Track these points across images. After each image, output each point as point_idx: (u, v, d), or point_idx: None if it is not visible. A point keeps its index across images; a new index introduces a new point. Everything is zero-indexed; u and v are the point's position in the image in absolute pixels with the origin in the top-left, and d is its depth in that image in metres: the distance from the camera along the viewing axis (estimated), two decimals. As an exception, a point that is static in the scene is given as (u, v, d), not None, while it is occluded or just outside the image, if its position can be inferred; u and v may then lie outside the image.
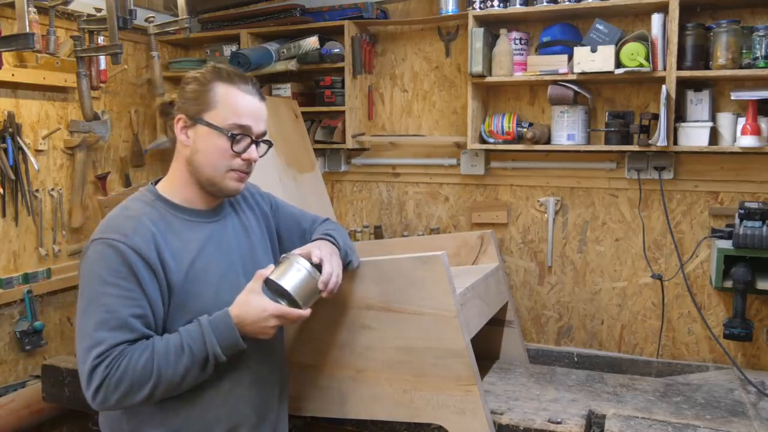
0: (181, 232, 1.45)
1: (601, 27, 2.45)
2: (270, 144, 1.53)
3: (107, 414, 1.49)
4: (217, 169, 1.44)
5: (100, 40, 2.57)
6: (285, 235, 1.73)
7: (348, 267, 1.76)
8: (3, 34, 2.22)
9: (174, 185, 1.49)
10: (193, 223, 1.48)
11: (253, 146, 1.47)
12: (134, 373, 1.31)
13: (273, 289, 1.45)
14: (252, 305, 1.40)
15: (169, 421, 1.44)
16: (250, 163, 1.47)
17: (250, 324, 1.39)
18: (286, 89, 3.03)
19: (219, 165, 1.44)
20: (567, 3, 2.52)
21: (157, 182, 1.52)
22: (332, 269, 1.54)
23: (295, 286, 1.45)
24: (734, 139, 2.38)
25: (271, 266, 1.46)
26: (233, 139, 1.43)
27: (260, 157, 1.51)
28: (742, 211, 2.28)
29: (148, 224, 1.39)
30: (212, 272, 1.46)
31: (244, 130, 1.44)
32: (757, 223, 2.22)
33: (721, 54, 2.30)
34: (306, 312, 1.45)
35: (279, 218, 1.73)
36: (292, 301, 1.45)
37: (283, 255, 1.51)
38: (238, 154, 1.44)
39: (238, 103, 1.44)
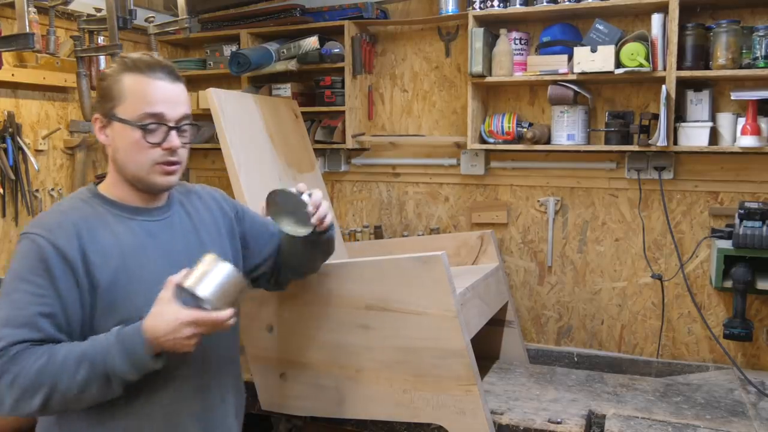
0: (115, 228, 1.37)
1: (601, 27, 2.45)
2: (197, 126, 1.44)
3: (42, 422, 1.42)
4: (140, 165, 1.37)
5: (100, 40, 2.58)
6: (252, 241, 1.65)
7: (327, 233, 1.64)
8: (3, 34, 2.22)
9: (110, 184, 1.44)
10: (130, 220, 1.40)
11: (173, 133, 1.37)
12: (26, 378, 1.22)
13: (189, 296, 1.29)
14: (164, 316, 1.25)
15: None
16: (172, 151, 1.38)
17: (164, 336, 1.24)
18: (286, 89, 3.03)
19: (140, 160, 1.36)
20: (567, 3, 2.52)
21: (100, 182, 1.46)
22: (322, 197, 1.52)
23: (209, 288, 1.28)
24: (734, 139, 2.38)
25: (185, 270, 1.31)
26: (145, 130, 1.34)
27: (188, 142, 1.42)
28: (742, 211, 2.28)
29: (75, 219, 1.34)
30: (149, 272, 1.37)
31: (158, 119, 1.35)
32: (757, 223, 2.22)
33: (721, 54, 2.30)
34: (223, 314, 1.28)
35: (245, 224, 1.65)
36: (212, 306, 1.29)
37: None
38: (156, 145, 1.36)
39: (146, 90, 1.35)
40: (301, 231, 1.52)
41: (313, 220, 1.50)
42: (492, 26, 2.70)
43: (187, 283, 1.27)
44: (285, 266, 1.73)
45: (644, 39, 2.39)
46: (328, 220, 1.56)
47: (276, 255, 1.70)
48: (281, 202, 1.50)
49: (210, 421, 1.49)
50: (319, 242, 1.63)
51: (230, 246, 1.59)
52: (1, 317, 1.26)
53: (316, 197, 1.52)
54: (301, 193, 1.49)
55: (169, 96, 1.37)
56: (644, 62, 2.36)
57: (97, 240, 1.34)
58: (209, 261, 1.31)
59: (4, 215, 2.53)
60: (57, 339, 1.28)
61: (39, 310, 1.26)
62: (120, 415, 1.36)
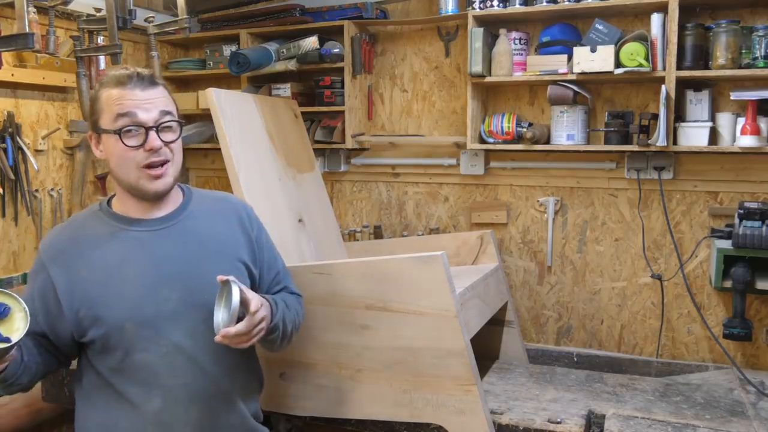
0: (105, 242, 1.45)
1: (600, 27, 2.45)
2: (180, 123, 1.47)
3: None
4: (127, 171, 1.42)
5: (100, 40, 2.57)
6: (265, 266, 1.64)
7: (272, 334, 1.55)
8: (3, 34, 2.22)
9: (116, 197, 1.53)
10: (125, 231, 1.47)
11: (152, 134, 1.40)
12: None
13: None
14: None
15: None
16: (154, 151, 1.41)
17: None
18: (285, 89, 3.03)
19: (126, 166, 1.42)
20: (567, 3, 2.52)
21: (114, 196, 1.54)
22: (247, 327, 1.40)
23: None
24: (734, 139, 2.38)
25: None
26: (120, 134, 1.39)
27: (174, 141, 1.45)
28: (741, 211, 2.28)
29: (71, 235, 1.48)
30: (133, 283, 1.42)
31: (132, 121, 1.39)
32: (757, 223, 2.22)
33: (720, 54, 2.30)
34: None
35: (262, 247, 1.65)
36: None
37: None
38: (137, 148, 1.40)
39: (118, 98, 1.40)
40: (215, 322, 1.40)
41: (217, 337, 1.37)
42: (492, 26, 2.70)
43: None
44: None
45: (644, 39, 2.39)
46: (235, 340, 1.40)
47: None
48: (227, 292, 1.39)
49: (215, 430, 1.50)
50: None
51: (245, 259, 1.57)
52: None
53: (232, 330, 1.37)
54: (238, 310, 1.37)
55: (140, 99, 1.41)
56: (644, 62, 2.36)
57: (85, 255, 1.45)
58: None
59: (3, 215, 2.53)
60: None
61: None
62: (124, 418, 1.44)
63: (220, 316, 1.40)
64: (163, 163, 1.43)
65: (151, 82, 1.44)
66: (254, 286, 1.60)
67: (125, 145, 1.39)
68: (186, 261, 1.47)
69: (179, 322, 1.44)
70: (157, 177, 1.43)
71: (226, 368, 1.52)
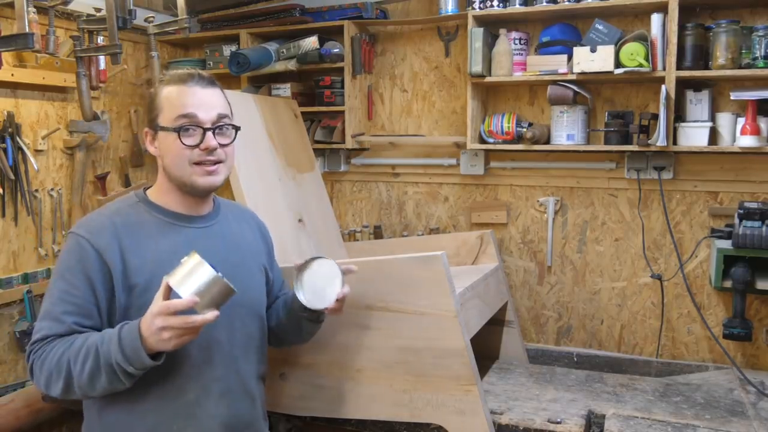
0: (155, 233, 1.46)
1: (600, 27, 2.45)
2: (236, 127, 1.51)
3: (85, 414, 1.51)
4: (181, 167, 1.44)
5: (100, 40, 2.57)
6: (276, 273, 1.74)
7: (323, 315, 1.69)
8: (3, 34, 2.22)
9: (158, 190, 1.53)
10: (173, 225, 1.48)
11: (209, 134, 1.44)
12: (50, 366, 1.34)
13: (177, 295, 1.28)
14: (149, 311, 1.28)
15: (136, 428, 1.44)
16: (210, 151, 1.44)
17: (147, 331, 1.26)
18: (285, 89, 3.03)
19: (180, 162, 1.44)
20: (567, 3, 2.52)
21: (150, 187, 1.55)
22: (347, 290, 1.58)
23: (191, 288, 1.25)
24: (734, 139, 2.38)
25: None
26: (179, 133, 1.42)
27: (230, 143, 1.49)
28: (741, 211, 2.28)
29: (117, 223, 1.43)
30: None
31: (191, 121, 1.43)
32: (757, 223, 2.22)
33: (720, 54, 2.30)
34: (183, 303, 1.23)
35: (273, 257, 1.75)
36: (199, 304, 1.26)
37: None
38: (194, 147, 1.43)
39: (179, 97, 1.44)
40: (317, 304, 1.56)
41: (335, 303, 1.55)
42: (491, 26, 2.70)
43: (172, 282, 1.26)
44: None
45: (644, 39, 2.39)
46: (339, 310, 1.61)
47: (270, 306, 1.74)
48: (317, 269, 1.56)
49: (237, 425, 1.53)
50: (309, 323, 1.66)
51: (267, 266, 1.69)
52: (42, 310, 1.40)
53: (347, 289, 1.57)
54: (344, 274, 1.56)
55: (201, 99, 1.45)
56: (644, 62, 2.36)
57: (136, 244, 1.42)
58: (195, 261, 1.28)
59: (3, 215, 2.53)
60: (82, 332, 1.37)
61: (66, 308, 1.37)
62: (153, 413, 1.44)
63: (302, 294, 1.55)
64: (215, 163, 1.47)
65: (210, 81, 1.48)
66: (269, 290, 1.70)
67: (183, 143, 1.42)
68: (226, 261, 1.51)
69: (221, 318, 1.46)
70: (209, 173, 1.46)
71: (253, 367, 1.59)
